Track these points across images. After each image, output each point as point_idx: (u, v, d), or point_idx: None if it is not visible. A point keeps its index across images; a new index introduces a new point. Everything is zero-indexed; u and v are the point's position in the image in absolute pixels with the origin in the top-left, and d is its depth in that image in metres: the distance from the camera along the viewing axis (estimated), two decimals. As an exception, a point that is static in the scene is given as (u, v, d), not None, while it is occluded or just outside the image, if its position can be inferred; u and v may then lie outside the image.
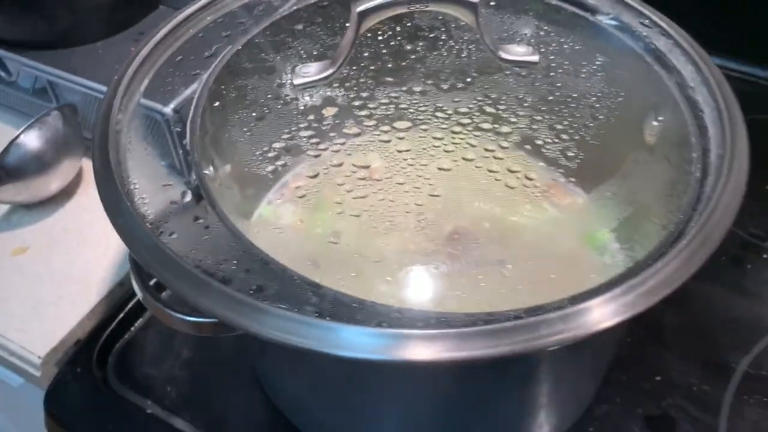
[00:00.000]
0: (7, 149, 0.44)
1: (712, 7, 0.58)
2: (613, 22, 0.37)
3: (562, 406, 0.34)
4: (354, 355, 0.22)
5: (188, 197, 0.29)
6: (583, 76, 0.33)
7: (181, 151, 0.31)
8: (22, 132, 0.45)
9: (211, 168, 0.29)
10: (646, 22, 0.37)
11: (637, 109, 0.32)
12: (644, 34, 0.36)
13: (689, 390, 0.39)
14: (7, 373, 0.47)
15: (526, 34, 0.35)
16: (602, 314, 0.23)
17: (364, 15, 0.30)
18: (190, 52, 0.35)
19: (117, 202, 0.27)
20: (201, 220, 0.28)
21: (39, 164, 0.46)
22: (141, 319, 0.44)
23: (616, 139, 0.30)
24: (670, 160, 0.29)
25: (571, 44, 0.35)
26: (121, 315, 0.43)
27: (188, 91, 0.34)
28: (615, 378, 0.40)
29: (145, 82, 0.34)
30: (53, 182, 0.47)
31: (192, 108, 0.32)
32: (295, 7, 0.36)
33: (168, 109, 0.36)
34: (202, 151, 0.30)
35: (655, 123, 0.31)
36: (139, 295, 0.28)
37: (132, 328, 0.44)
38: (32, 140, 0.45)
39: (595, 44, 0.35)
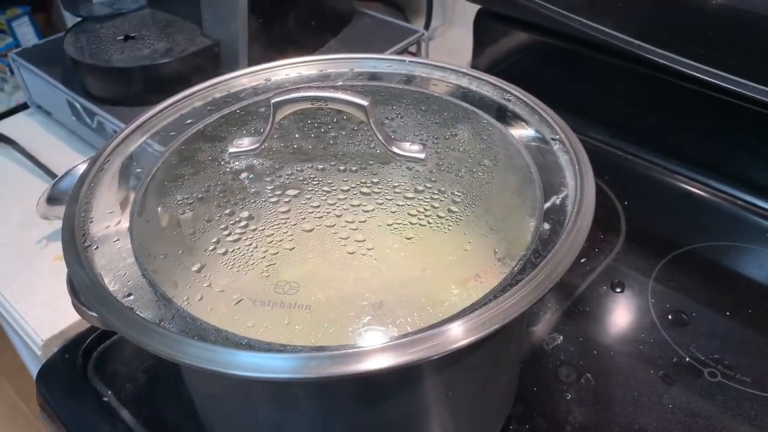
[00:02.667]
0: (63, 176, 0.57)
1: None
2: (527, 133, 0.43)
3: None
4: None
5: (119, 223, 0.38)
6: (462, 174, 0.39)
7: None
8: (79, 164, 0.57)
9: (146, 203, 0.38)
10: (557, 137, 0.42)
11: (494, 207, 0.37)
12: (553, 145, 0.41)
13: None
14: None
15: (429, 134, 0.42)
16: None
17: (278, 105, 0.39)
18: (180, 119, 0.45)
19: (69, 220, 0.37)
20: (117, 240, 0.36)
21: (87, 192, 0.58)
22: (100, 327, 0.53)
23: (463, 228, 0.36)
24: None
25: (466, 147, 0.41)
26: (114, 321, 0.53)
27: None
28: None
29: (142, 138, 0.45)
30: (96, 208, 0.59)
31: (157, 160, 0.42)
32: (247, 102, 0.46)
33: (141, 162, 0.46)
34: (146, 192, 0.39)
35: (504, 222, 0.37)
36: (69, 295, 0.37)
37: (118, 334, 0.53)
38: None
39: (491, 151, 0.41)
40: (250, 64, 0.65)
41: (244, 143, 0.41)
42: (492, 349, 0.38)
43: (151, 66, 0.61)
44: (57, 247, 0.59)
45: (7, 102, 1.64)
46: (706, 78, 0.57)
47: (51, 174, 0.66)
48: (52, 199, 0.57)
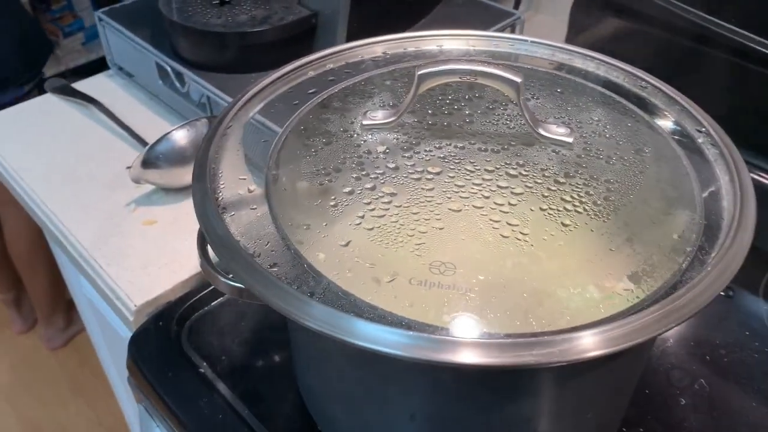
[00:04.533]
0: (159, 140, 0.56)
1: None
2: (667, 124, 0.41)
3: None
4: (357, 342, 0.27)
5: (253, 190, 0.36)
6: (612, 162, 0.36)
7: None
8: (174, 129, 0.56)
9: (280, 171, 0.37)
10: (702, 129, 0.40)
11: (652, 198, 0.35)
12: (696, 138, 0.39)
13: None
14: (119, 324, 0.57)
15: (570, 117, 0.39)
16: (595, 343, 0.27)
17: (422, 78, 0.37)
18: (299, 89, 0.44)
19: (200, 182, 0.36)
20: (254, 208, 0.35)
21: (181, 158, 0.56)
22: (221, 298, 0.52)
23: (622, 217, 0.34)
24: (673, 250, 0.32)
25: (612, 133, 0.39)
26: (206, 290, 0.52)
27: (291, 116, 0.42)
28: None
29: (260, 104, 0.43)
30: (188, 175, 0.57)
31: (283, 127, 0.40)
32: (389, 68, 0.44)
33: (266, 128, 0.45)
34: (277, 160, 0.38)
35: (666, 215, 0.34)
36: (199, 258, 0.36)
37: (212, 303, 0.52)
38: (180, 137, 0.56)
39: (638, 139, 0.39)
40: (348, 38, 0.63)
41: (378, 116, 0.39)
42: (635, 357, 0.36)
43: (250, 33, 0.60)
44: (146, 211, 0.58)
45: (56, 67, 1.64)
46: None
47: (135, 137, 0.64)
48: (147, 163, 0.55)
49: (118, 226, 0.56)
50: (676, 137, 0.40)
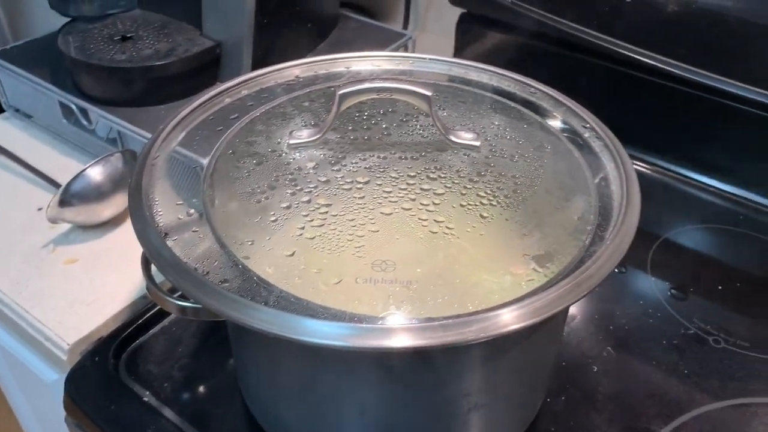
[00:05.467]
0: (75, 178, 0.55)
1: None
2: (556, 123, 0.46)
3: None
4: (310, 339, 0.30)
5: (192, 214, 0.38)
6: (516, 159, 0.41)
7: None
8: (89, 166, 0.56)
9: (214, 198, 0.39)
10: (587, 125, 0.46)
11: (553, 188, 0.40)
12: (583, 134, 0.45)
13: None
14: (43, 369, 0.56)
15: (474, 124, 0.44)
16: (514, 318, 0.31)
17: (343, 97, 0.40)
18: (220, 115, 0.46)
19: (139, 211, 0.37)
20: (196, 230, 0.37)
21: (98, 194, 0.57)
22: (155, 328, 0.53)
23: (530, 206, 0.38)
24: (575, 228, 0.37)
25: (511, 135, 0.44)
26: (140, 321, 0.52)
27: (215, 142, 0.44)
28: (543, 429, 0.46)
29: (182, 133, 0.45)
30: (106, 210, 0.58)
31: (212, 152, 0.42)
32: (305, 91, 0.47)
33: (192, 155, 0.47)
34: (212, 183, 0.40)
35: (566, 201, 0.40)
36: (145, 280, 0.37)
37: (147, 334, 0.52)
38: (96, 174, 0.56)
39: (534, 138, 0.44)
40: (253, 65, 0.65)
41: (303, 134, 0.42)
42: (552, 328, 0.41)
43: (157, 66, 0.61)
44: (65, 251, 0.57)
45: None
46: (675, 71, 0.63)
47: (44, 177, 0.63)
48: (64, 202, 0.55)
49: (37, 268, 0.55)
50: (566, 134, 0.45)
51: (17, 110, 0.72)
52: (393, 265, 0.34)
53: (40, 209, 0.56)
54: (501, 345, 0.36)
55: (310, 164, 0.40)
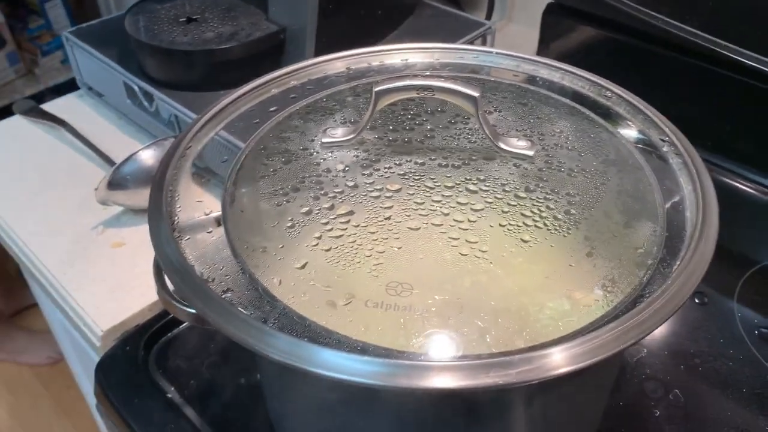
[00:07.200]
0: (125, 161, 0.55)
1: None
2: (630, 133, 0.40)
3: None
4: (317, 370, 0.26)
5: (209, 213, 0.36)
6: (574, 174, 0.36)
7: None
8: (141, 149, 0.55)
9: (237, 192, 0.36)
10: (666, 138, 0.40)
11: (614, 211, 0.35)
12: (660, 147, 0.39)
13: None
14: (89, 350, 0.56)
15: (532, 130, 0.39)
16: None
17: (379, 94, 0.36)
18: (261, 107, 0.43)
19: (156, 207, 0.35)
20: (210, 231, 0.34)
21: (148, 178, 0.55)
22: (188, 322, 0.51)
23: (582, 231, 0.33)
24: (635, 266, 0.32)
25: (574, 145, 0.38)
26: (175, 313, 0.51)
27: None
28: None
29: (221, 125, 0.42)
30: (156, 195, 0.57)
31: (243, 147, 0.40)
32: (332, 90, 0.44)
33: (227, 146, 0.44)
34: (235, 181, 0.37)
35: (628, 228, 0.34)
36: (155, 284, 0.35)
37: (180, 326, 0.51)
38: (147, 157, 0.55)
39: (601, 150, 0.38)
40: (316, 53, 0.62)
41: (338, 133, 0.39)
42: (600, 372, 0.36)
43: (216, 50, 0.59)
44: (113, 234, 0.57)
45: (35, 87, 1.63)
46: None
47: (104, 157, 0.64)
48: (113, 184, 0.55)
49: (85, 248, 0.55)
50: (640, 146, 0.39)
51: (90, 88, 0.73)
52: (410, 289, 0.30)
53: (95, 189, 0.56)
54: (535, 389, 0.31)
55: (340, 166, 0.37)
